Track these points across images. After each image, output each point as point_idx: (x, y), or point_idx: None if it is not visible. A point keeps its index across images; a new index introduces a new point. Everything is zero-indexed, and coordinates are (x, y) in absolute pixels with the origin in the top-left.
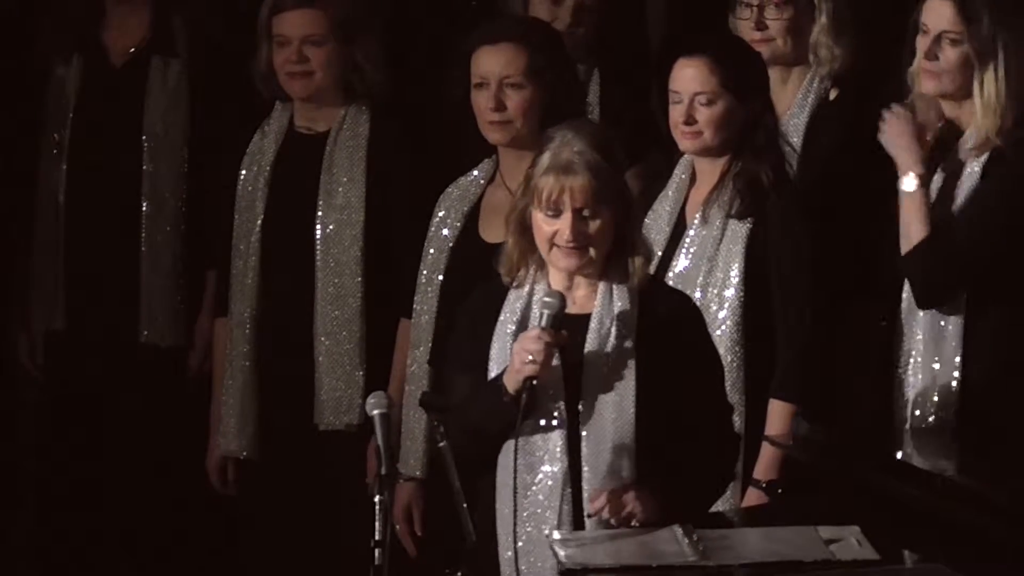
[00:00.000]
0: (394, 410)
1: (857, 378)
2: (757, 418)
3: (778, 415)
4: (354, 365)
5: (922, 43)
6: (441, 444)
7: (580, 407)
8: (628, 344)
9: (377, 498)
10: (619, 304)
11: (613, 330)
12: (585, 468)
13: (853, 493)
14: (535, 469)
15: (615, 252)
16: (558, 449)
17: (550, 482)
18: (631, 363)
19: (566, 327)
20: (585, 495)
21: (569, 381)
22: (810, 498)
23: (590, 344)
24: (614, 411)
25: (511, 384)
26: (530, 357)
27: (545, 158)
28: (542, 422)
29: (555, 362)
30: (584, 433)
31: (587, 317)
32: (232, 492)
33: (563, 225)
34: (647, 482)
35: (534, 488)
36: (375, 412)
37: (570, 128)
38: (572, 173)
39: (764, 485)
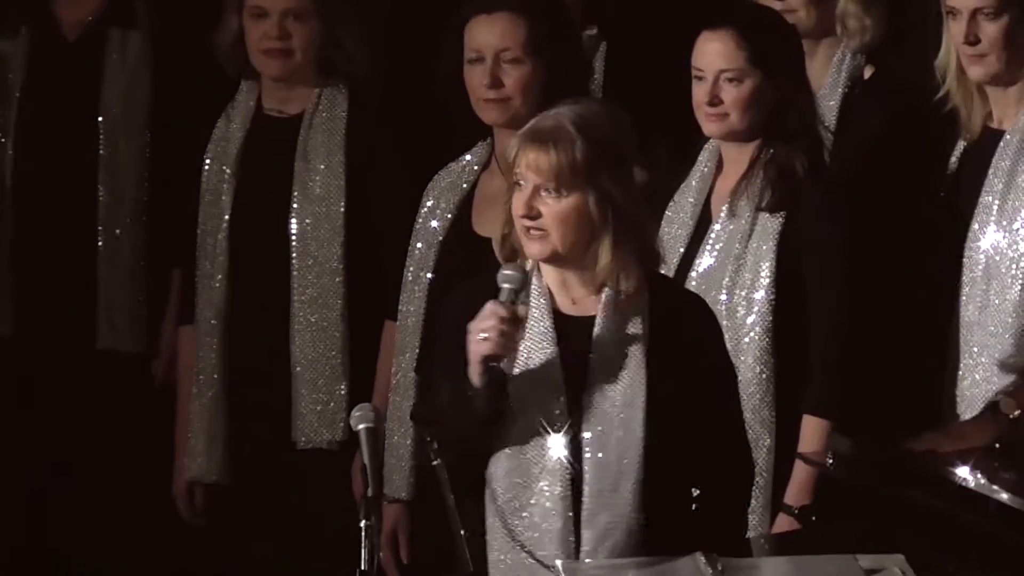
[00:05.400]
0: (382, 424)
1: (903, 390)
2: (789, 435)
3: (812, 432)
4: (336, 375)
5: (955, 28)
6: (435, 462)
7: (583, 421)
8: (638, 354)
9: (363, 522)
10: (626, 309)
11: (621, 338)
12: (585, 488)
13: (897, 517)
14: (530, 487)
15: (619, 251)
16: (557, 465)
17: (547, 503)
18: (641, 375)
19: (566, 328)
20: (584, 517)
21: (571, 389)
22: (849, 523)
23: (596, 351)
24: (621, 427)
25: (473, 373)
26: (483, 335)
27: (527, 124)
28: (538, 432)
29: (550, 356)
30: (586, 448)
31: (590, 320)
32: (201, 521)
33: (519, 200)
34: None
35: (530, 508)
36: (361, 427)
37: (575, 100)
38: (539, 144)
39: (796, 511)
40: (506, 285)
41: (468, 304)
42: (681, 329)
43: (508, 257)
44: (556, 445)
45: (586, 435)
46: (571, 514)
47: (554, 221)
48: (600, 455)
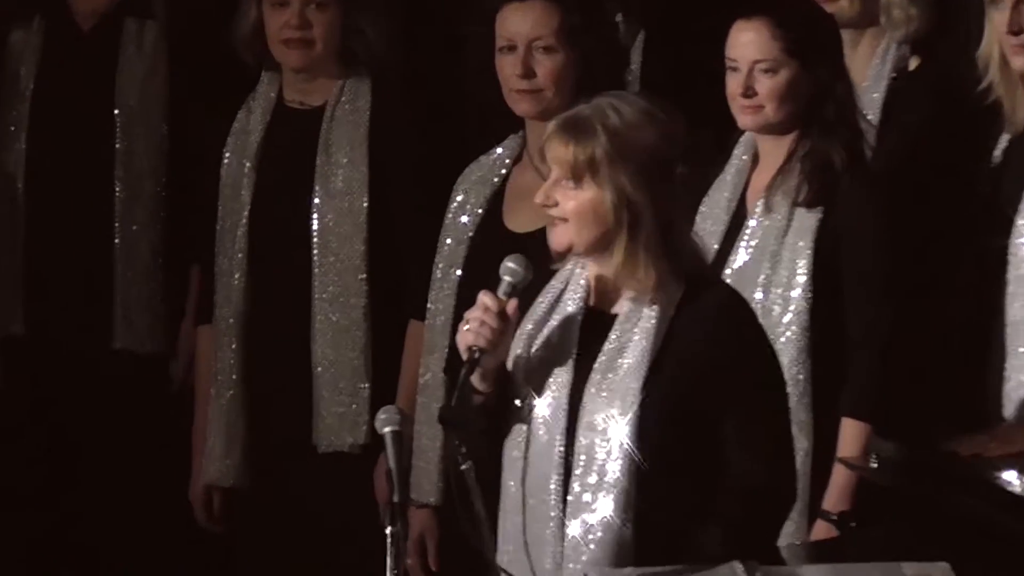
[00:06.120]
0: (408, 427)
1: (946, 390)
2: (827, 439)
3: (851, 435)
4: (358, 376)
5: (998, 18)
6: (464, 466)
7: (579, 419)
8: (645, 355)
9: (389, 529)
10: (649, 310)
11: (632, 338)
12: (574, 483)
13: (941, 524)
14: (526, 480)
15: (636, 252)
16: (553, 460)
17: (540, 495)
18: (639, 377)
19: (592, 324)
20: (569, 513)
21: (576, 384)
22: (890, 530)
23: (606, 349)
24: (611, 428)
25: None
26: (466, 326)
27: (563, 113)
28: (539, 424)
29: (567, 350)
30: (580, 446)
31: (612, 317)
32: (218, 526)
33: (543, 189)
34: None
35: (520, 502)
36: (387, 429)
37: (619, 96)
38: (562, 135)
39: (835, 517)
40: (506, 278)
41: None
42: (706, 333)
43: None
44: (555, 440)
45: (581, 430)
46: (560, 509)
47: (571, 213)
48: (587, 455)
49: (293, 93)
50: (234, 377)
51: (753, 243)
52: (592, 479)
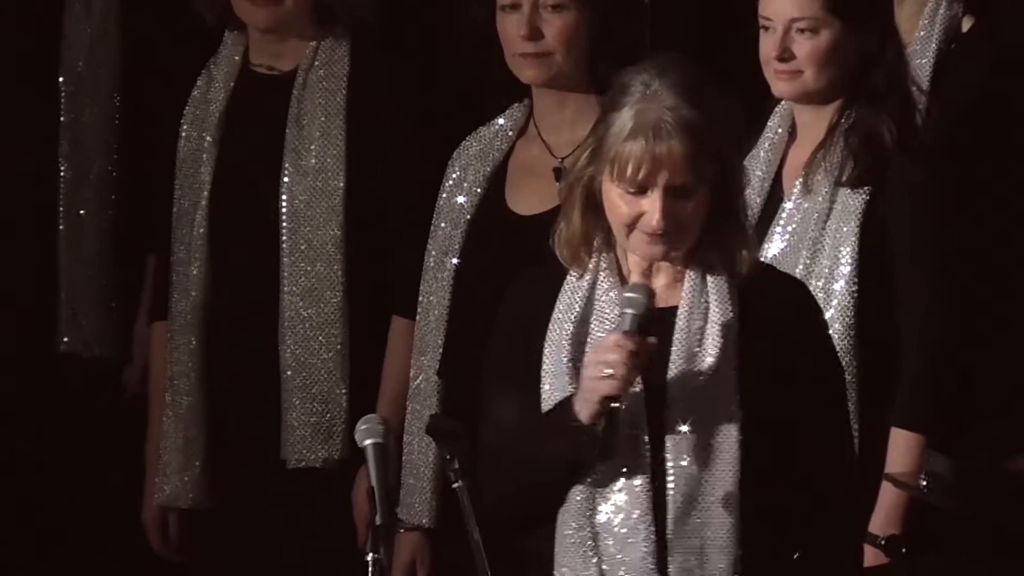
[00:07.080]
0: (391, 439)
1: (1010, 398)
2: (875, 451)
3: (901, 448)
4: (334, 381)
5: None
6: (456, 484)
7: (667, 438)
8: (728, 350)
9: (371, 556)
10: (714, 297)
11: (708, 332)
12: (669, 517)
13: (1003, 549)
14: (603, 514)
15: (710, 229)
16: (639, 496)
17: (624, 529)
18: (732, 375)
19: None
20: (671, 543)
21: (651, 401)
22: (946, 556)
23: (678, 350)
24: (716, 441)
25: (585, 409)
26: (608, 371)
27: (625, 117)
28: (616, 460)
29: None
30: (671, 474)
31: (671, 311)
32: (176, 554)
33: (651, 207)
34: None
35: (603, 539)
36: (368, 442)
37: (654, 72)
38: (665, 140)
39: (883, 541)
40: (629, 311)
41: (534, 298)
42: (775, 320)
43: (575, 255)
44: (637, 473)
45: (670, 443)
46: (653, 541)
47: (691, 220)
48: (687, 480)
49: (260, 56)
50: (192, 382)
51: (790, 228)
52: (694, 494)
